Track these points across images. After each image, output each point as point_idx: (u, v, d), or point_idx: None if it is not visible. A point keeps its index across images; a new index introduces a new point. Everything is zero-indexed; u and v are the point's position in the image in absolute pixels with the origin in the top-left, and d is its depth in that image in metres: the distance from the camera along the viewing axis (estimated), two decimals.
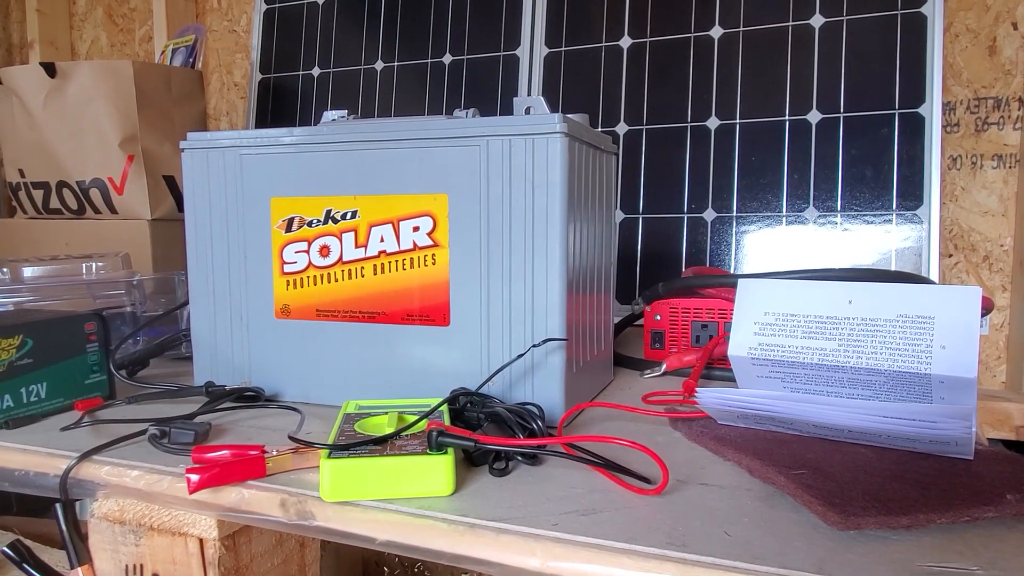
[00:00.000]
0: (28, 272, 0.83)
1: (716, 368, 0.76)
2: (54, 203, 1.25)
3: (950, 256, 1.05)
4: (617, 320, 0.96)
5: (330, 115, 0.72)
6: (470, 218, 0.60)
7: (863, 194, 1.01)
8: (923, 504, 0.40)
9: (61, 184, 1.23)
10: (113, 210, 1.21)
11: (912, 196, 0.99)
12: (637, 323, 1.02)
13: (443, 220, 0.61)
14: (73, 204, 1.23)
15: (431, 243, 0.61)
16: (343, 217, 0.64)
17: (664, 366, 0.76)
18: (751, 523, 0.41)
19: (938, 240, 0.97)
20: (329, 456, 0.45)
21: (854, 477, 0.44)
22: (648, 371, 0.77)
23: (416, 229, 0.62)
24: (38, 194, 1.26)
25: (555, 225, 0.58)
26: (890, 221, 0.99)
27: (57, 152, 1.21)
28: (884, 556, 0.37)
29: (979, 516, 0.40)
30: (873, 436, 0.49)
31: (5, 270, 0.81)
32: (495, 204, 0.60)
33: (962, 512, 0.40)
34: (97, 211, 1.22)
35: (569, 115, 0.60)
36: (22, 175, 1.27)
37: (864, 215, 1.00)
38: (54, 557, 0.62)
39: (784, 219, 1.04)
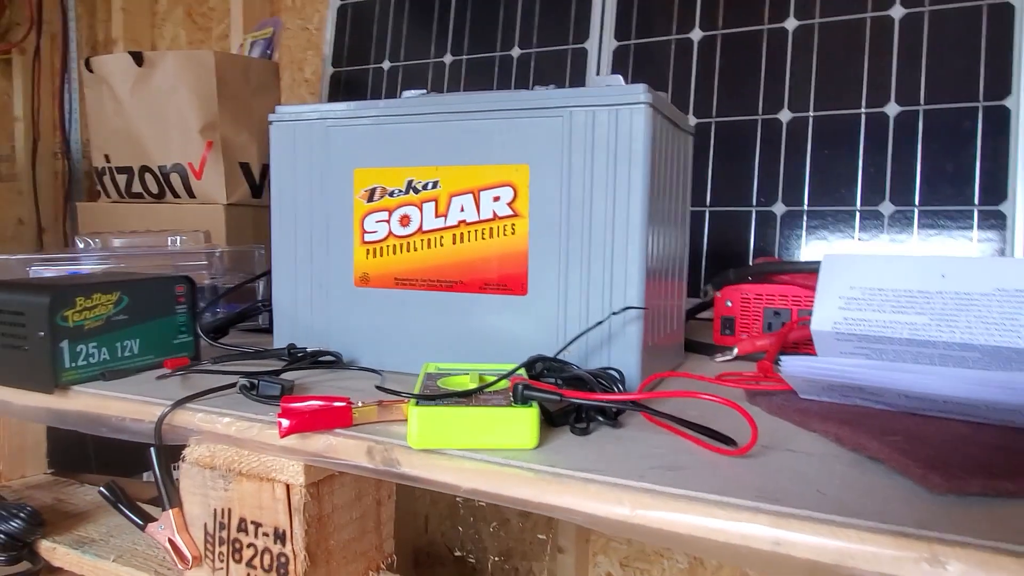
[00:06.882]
0: (117, 242, 0.87)
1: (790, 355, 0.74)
2: (136, 187, 1.30)
3: None
4: None
5: (409, 93, 0.74)
6: (551, 189, 0.61)
7: (943, 189, 0.98)
8: None
9: (144, 169, 1.28)
10: (191, 194, 1.26)
11: (996, 192, 0.95)
12: (702, 316, 1.00)
13: (524, 190, 0.62)
14: (154, 188, 1.28)
15: (511, 213, 0.62)
16: (424, 187, 0.65)
17: (736, 350, 0.75)
18: (843, 485, 0.40)
19: (1023, 238, 0.94)
20: (417, 404, 0.46)
21: (953, 446, 0.43)
22: (720, 355, 0.76)
23: (496, 199, 0.63)
24: (122, 179, 1.32)
25: (637, 197, 0.58)
26: (971, 217, 0.96)
27: (141, 138, 1.26)
28: (991, 518, 0.36)
29: None
30: (970, 408, 0.47)
31: (96, 240, 0.85)
32: (576, 175, 0.60)
33: None
34: (176, 195, 1.27)
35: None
36: (108, 160, 1.33)
37: (944, 211, 0.97)
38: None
39: (858, 214, 1.02)
